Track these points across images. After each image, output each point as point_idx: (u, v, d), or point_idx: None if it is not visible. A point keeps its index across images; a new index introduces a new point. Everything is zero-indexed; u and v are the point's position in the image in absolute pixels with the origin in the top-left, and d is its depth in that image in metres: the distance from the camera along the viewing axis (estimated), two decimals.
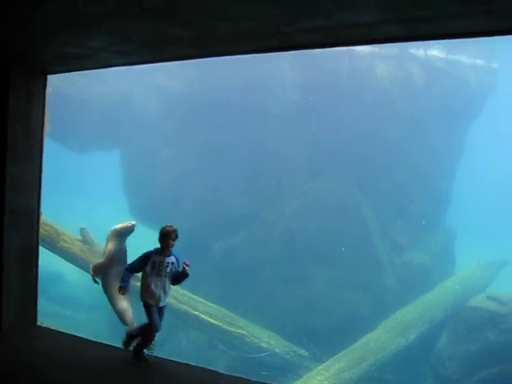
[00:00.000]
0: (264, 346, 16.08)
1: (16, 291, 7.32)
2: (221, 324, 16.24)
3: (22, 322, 7.45)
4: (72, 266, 16.87)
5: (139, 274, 6.64)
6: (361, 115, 19.08)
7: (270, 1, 4.40)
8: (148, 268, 6.46)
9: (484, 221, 34.79)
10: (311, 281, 17.59)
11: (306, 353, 16.31)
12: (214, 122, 19.54)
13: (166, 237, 6.44)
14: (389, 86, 19.72)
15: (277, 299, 17.65)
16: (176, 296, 16.57)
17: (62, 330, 8.23)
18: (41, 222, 7.99)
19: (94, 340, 7.74)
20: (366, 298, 17.61)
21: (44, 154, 7.65)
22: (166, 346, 17.41)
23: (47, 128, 7.86)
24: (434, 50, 21.66)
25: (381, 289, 18.08)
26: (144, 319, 6.80)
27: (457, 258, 21.91)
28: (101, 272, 11.04)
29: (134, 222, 11.80)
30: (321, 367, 14.87)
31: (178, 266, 6.56)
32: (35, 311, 7.82)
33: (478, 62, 23.15)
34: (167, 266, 6.47)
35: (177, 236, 6.53)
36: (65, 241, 16.33)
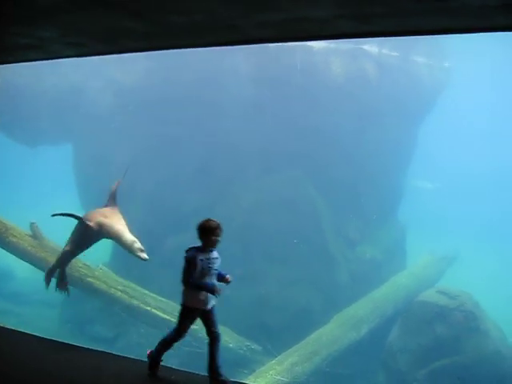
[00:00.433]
0: None
1: None
2: (173, 319, 16.13)
3: None
4: (22, 261, 16.61)
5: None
6: (314, 110, 19.15)
7: None
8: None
9: (435, 216, 35.30)
10: (264, 276, 17.62)
11: (259, 347, 16.35)
12: (167, 115, 19.39)
13: (210, 232, 5.78)
14: (343, 81, 19.84)
15: (230, 294, 17.62)
16: (127, 291, 16.44)
17: (10, 327, 8.07)
18: None
19: (44, 337, 7.61)
20: (318, 293, 17.71)
21: None
22: (118, 342, 17.33)
23: None
24: (388, 48, 21.88)
25: (333, 284, 18.21)
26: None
27: (408, 253, 22.21)
28: None
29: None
30: (273, 361, 14.93)
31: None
32: None
33: (431, 60, 23.50)
34: (214, 263, 5.82)
35: (221, 231, 5.86)
36: (14, 236, 16.03)
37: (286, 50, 18.90)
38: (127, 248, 12.35)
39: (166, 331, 6.31)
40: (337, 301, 17.38)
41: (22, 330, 7.80)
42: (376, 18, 4.74)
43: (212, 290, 5.72)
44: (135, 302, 16.31)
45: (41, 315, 18.54)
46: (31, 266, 16.57)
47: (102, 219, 12.58)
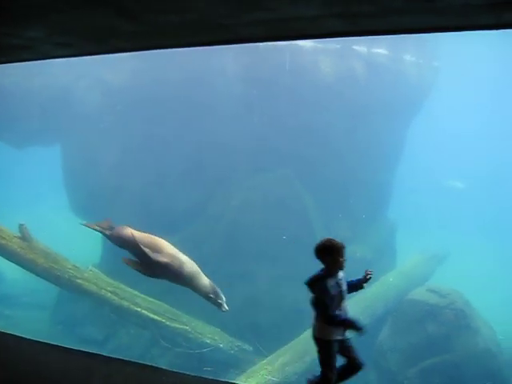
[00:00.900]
0: (208, 341, 16.05)
1: None
2: (163, 320, 16.14)
3: None
4: (11, 263, 16.56)
5: None
6: (304, 110, 19.18)
7: None
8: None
9: (425, 215, 35.43)
10: (254, 276, 17.61)
11: (250, 348, 16.35)
12: (156, 115, 19.36)
13: (337, 253, 5.19)
14: (332, 81, 19.85)
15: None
16: (117, 292, 16.41)
17: (0, 330, 8.05)
18: None
19: (34, 339, 7.58)
20: (308, 292, 17.68)
21: None
22: (108, 344, 17.28)
23: None
24: (377, 47, 21.93)
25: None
26: None
27: (398, 252, 22.25)
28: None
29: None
30: (264, 361, 14.93)
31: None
32: None
33: (420, 59, 23.58)
34: (343, 285, 5.26)
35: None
36: (2, 237, 15.98)
37: (275, 49, 18.91)
38: (201, 294, 11.18)
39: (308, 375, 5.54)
40: None
41: (12, 333, 7.78)
42: (364, 17, 4.74)
43: (356, 327, 5.10)
44: (125, 303, 16.29)
45: (31, 317, 18.47)
46: (21, 268, 16.54)
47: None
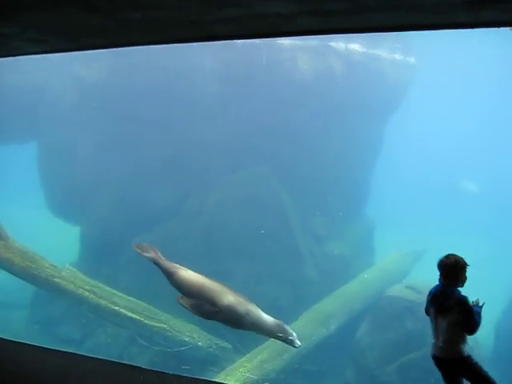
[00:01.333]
0: (186, 339, 15.99)
1: None
2: (141, 319, 16.06)
3: None
4: None
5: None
6: (281, 107, 19.19)
7: None
8: None
9: (403, 211, 35.62)
10: (232, 273, 17.57)
11: (229, 345, 16.32)
12: (133, 112, 19.27)
13: (464, 269, 5.18)
14: (309, 78, 19.88)
15: None
16: (95, 291, 16.32)
17: None
18: None
19: (11, 339, 7.52)
20: (286, 289, 17.72)
21: None
22: (86, 343, 17.19)
23: None
24: (354, 44, 22.02)
25: (301, 280, 18.24)
26: None
27: (376, 249, 22.34)
28: None
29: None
30: (243, 359, 14.93)
31: None
32: None
33: (397, 56, 23.72)
34: None
35: None
36: None
37: (253, 46, 18.91)
38: (268, 335, 10.48)
39: None
40: (305, 297, 17.41)
41: None
42: (337, 14, 4.75)
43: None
44: (103, 302, 16.19)
45: (7, 317, 18.29)
46: None
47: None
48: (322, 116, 19.61)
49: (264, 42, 19.05)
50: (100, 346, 16.64)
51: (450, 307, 5.07)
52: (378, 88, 21.23)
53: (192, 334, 16.14)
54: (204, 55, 19.33)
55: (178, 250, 18.15)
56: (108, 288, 16.62)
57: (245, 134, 18.90)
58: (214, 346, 16.14)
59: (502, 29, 5.00)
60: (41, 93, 20.61)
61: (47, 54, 6.94)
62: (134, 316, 16.05)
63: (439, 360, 5.18)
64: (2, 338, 7.44)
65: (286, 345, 10.24)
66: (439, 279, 5.23)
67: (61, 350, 7.33)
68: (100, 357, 7.23)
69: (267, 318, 10.07)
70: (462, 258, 5.18)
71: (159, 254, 11.13)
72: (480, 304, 5.24)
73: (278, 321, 10.08)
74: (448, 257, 5.21)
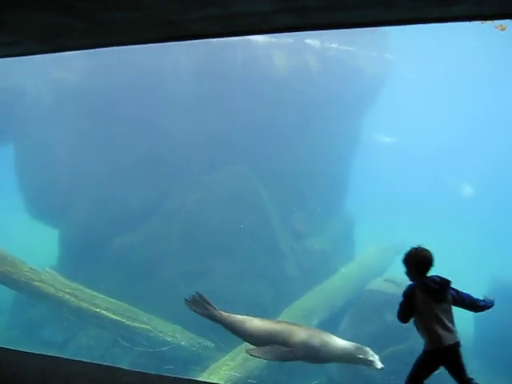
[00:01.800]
0: (169, 339, 15.99)
1: None
2: (123, 320, 16.02)
3: None
4: None
5: None
6: (257, 104, 19.21)
7: None
8: None
9: (381, 206, 35.83)
10: (212, 272, 17.58)
11: (212, 344, 16.33)
12: (110, 113, 19.19)
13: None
14: (285, 75, 19.93)
15: (179, 292, 17.53)
16: (76, 294, 16.26)
17: None
18: None
19: None
20: (267, 286, 17.75)
21: None
22: (68, 346, 17.11)
23: None
24: (330, 41, 22.07)
25: (282, 277, 18.28)
26: None
27: (356, 243, 22.45)
28: None
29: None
30: (226, 357, 14.93)
31: None
32: None
33: (373, 52, 23.81)
34: None
35: None
36: None
37: (228, 44, 18.89)
38: (349, 359, 9.88)
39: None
40: (287, 294, 17.44)
41: None
42: (313, 11, 4.77)
43: None
44: (84, 305, 16.12)
45: None
46: None
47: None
48: (298, 112, 19.67)
49: (238, 40, 19.06)
50: (82, 348, 16.56)
51: (445, 294, 5.09)
52: (354, 83, 21.32)
53: (175, 333, 16.13)
54: (178, 54, 19.31)
55: (159, 249, 18.17)
56: (89, 290, 16.55)
57: (222, 132, 18.90)
58: (197, 346, 16.15)
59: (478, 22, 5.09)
60: (17, 95, 20.45)
61: (22, 56, 6.89)
62: (115, 317, 16.00)
63: (449, 349, 5.11)
64: None
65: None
66: (419, 272, 5.16)
67: (43, 353, 7.28)
68: (82, 359, 7.19)
69: (345, 344, 9.79)
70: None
71: (212, 305, 10.85)
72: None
73: (356, 344, 9.79)
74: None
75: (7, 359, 6.76)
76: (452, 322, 5.08)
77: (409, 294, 5.10)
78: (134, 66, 18.91)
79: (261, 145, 19.07)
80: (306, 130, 19.75)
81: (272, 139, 19.19)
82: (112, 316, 16.01)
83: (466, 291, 5.38)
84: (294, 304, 16.92)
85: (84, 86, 19.68)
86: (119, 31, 5.47)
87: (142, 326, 16.06)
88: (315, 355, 9.69)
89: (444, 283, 5.10)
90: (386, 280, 16.72)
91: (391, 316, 15.44)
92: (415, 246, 5.23)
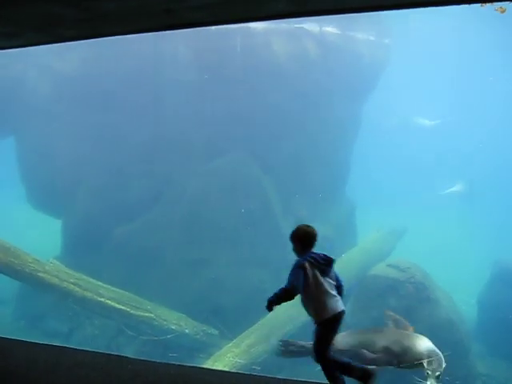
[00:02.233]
0: (173, 327, 16.07)
1: None
2: (128, 309, 16.10)
3: None
4: None
5: None
6: (257, 91, 19.17)
7: None
8: None
9: (383, 191, 35.77)
10: (215, 260, 17.62)
11: (216, 332, 16.41)
12: (110, 104, 19.17)
13: None
14: (284, 61, 19.86)
15: (182, 281, 17.61)
16: (80, 284, 16.32)
17: None
18: None
19: None
20: (270, 273, 17.77)
21: None
22: (74, 336, 17.20)
23: None
24: (328, 26, 21.98)
25: (285, 263, 18.23)
26: None
27: (359, 229, 22.45)
28: None
29: None
30: (230, 344, 15.01)
31: None
32: None
33: (371, 37, 23.72)
34: None
35: None
36: None
37: (226, 32, 18.84)
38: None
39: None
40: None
41: None
42: None
43: None
44: (88, 295, 16.22)
45: None
46: None
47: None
48: (298, 99, 19.61)
49: (236, 28, 19.00)
50: (87, 338, 16.64)
51: (330, 270, 5.45)
52: (354, 68, 21.26)
53: (178, 321, 16.20)
54: (177, 43, 19.26)
55: (161, 239, 18.19)
56: (93, 280, 16.64)
57: (223, 119, 18.86)
58: (201, 333, 16.22)
59: (476, 6, 5.06)
60: (17, 86, 20.43)
61: (21, 47, 6.88)
62: (120, 307, 16.09)
63: (339, 315, 5.41)
64: None
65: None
66: (303, 247, 5.46)
67: (48, 343, 7.33)
68: (88, 349, 7.24)
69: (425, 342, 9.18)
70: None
71: (303, 343, 9.50)
72: None
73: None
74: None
75: (12, 350, 6.79)
76: (336, 294, 5.42)
77: (301, 265, 5.31)
78: (134, 54, 18.87)
79: (261, 132, 19.03)
80: (307, 115, 19.71)
81: (273, 126, 19.16)
82: (116, 305, 16.10)
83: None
84: None
85: (83, 75, 19.65)
86: (116, 21, 5.45)
87: (146, 314, 16.14)
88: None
89: (329, 260, 5.43)
90: (388, 265, 16.75)
91: (394, 301, 15.55)
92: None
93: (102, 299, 16.16)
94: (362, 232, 22.39)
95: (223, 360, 14.27)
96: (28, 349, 6.80)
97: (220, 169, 18.78)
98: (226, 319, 16.64)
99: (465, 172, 36.09)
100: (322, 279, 5.32)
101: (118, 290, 16.52)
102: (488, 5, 5.31)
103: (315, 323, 5.41)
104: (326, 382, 5.29)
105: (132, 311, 16.09)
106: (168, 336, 15.82)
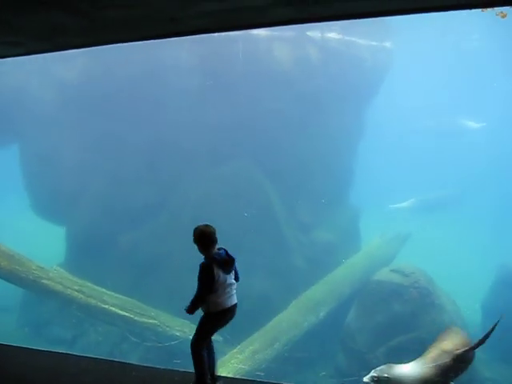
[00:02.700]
0: (177, 334, 16.04)
1: None
2: (131, 315, 16.09)
3: None
4: None
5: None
6: (261, 98, 19.17)
7: None
8: None
9: (387, 196, 35.70)
10: None
11: (220, 338, 16.36)
12: (113, 111, 19.18)
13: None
14: (287, 67, 19.88)
15: (186, 287, 17.56)
16: (84, 291, 16.32)
17: None
18: None
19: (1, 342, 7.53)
20: (275, 279, 17.78)
21: None
22: (77, 343, 17.20)
23: None
24: (330, 32, 22.01)
25: (289, 269, 18.29)
26: None
27: (362, 234, 22.41)
28: None
29: None
30: (235, 351, 14.99)
31: None
32: None
33: (373, 42, 23.74)
34: None
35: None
36: None
37: (229, 39, 18.85)
38: None
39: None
40: (294, 286, 17.47)
41: None
42: (312, 3, 4.76)
43: None
44: (92, 301, 16.21)
45: None
46: None
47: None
48: (301, 105, 19.61)
49: (239, 34, 19.02)
50: (91, 344, 16.65)
51: (232, 268, 5.78)
52: (357, 74, 21.25)
53: (182, 328, 16.17)
54: (180, 50, 19.27)
55: (166, 245, 18.18)
56: (96, 287, 16.63)
57: (226, 126, 18.86)
58: None
59: (478, 11, 5.06)
60: (20, 94, 20.46)
61: (24, 56, 6.90)
62: (124, 313, 16.08)
63: (233, 308, 5.80)
64: None
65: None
66: (204, 246, 5.83)
67: (52, 350, 7.33)
68: (92, 356, 7.24)
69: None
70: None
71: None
72: None
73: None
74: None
75: (17, 358, 6.80)
76: (235, 289, 5.76)
77: (209, 267, 5.59)
78: (137, 61, 18.88)
79: (265, 138, 19.03)
80: (310, 121, 19.71)
81: (276, 132, 19.14)
82: (120, 312, 16.09)
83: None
84: (302, 295, 16.97)
85: (86, 82, 19.67)
86: (120, 29, 5.47)
87: (150, 321, 16.13)
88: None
89: (232, 258, 5.76)
90: (391, 270, 16.75)
91: (398, 306, 15.54)
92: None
93: (106, 306, 16.15)
94: (366, 237, 22.35)
95: (227, 366, 14.25)
96: (32, 356, 6.81)
97: (224, 175, 18.78)
98: (230, 325, 16.58)
99: (459, 177, 36.03)
100: (225, 277, 5.62)
101: (121, 296, 16.51)
102: (489, 10, 5.33)
103: (210, 312, 5.71)
104: None
105: (136, 318, 16.08)
106: (172, 342, 15.79)
